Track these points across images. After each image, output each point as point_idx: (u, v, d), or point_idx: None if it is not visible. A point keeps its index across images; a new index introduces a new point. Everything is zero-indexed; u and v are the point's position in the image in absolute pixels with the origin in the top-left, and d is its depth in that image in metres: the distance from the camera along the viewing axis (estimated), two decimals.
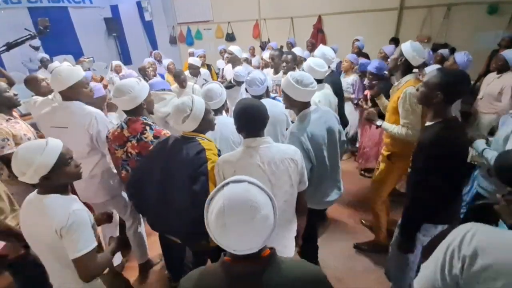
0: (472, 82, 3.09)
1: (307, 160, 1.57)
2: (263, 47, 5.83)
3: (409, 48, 1.84)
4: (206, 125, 1.45)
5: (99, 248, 1.23)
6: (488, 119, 2.80)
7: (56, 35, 5.23)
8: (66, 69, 1.74)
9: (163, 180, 1.40)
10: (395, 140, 1.96)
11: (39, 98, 2.30)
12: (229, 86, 3.06)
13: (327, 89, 2.34)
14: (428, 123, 1.42)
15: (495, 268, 0.63)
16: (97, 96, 2.18)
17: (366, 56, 4.33)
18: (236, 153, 1.31)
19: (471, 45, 4.24)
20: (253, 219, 0.65)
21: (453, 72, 1.39)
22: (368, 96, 2.17)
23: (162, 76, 4.23)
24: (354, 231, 2.58)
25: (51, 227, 1.05)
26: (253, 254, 0.71)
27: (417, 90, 1.44)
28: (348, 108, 3.36)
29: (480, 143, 1.67)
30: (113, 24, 7.37)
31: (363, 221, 2.66)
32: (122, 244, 1.37)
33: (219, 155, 1.42)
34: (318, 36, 5.80)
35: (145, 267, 2.26)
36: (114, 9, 7.57)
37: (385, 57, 3.43)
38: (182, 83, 3.07)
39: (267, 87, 2.29)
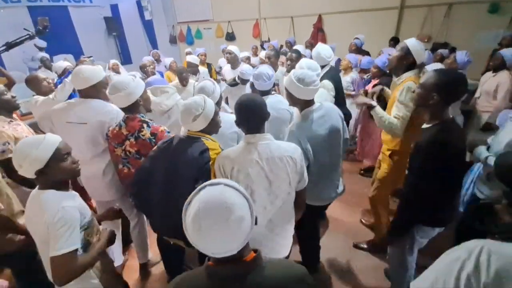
0: (473, 82, 3.09)
1: (304, 158, 1.58)
2: (263, 46, 5.82)
3: (417, 45, 1.80)
4: (213, 126, 1.45)
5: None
6: (486, 117, 2.81)
7: (56, 34, 5.22)
8: (89, 69, 1.80)
9: (168, 181, 1.40)
10: (395, 138, 1.94)
11: (40, 98, 2.30)
12: (233, 84, 3.06)
13: (323, 88, 2.33)
14: (425, 125, 1.41)
15: None
16: None
17: (367, 53, 4.32)
18: (235, 149, 1.32)
19: (471, 44, 4.23)
20: (227, 220, 0.65)
21: (449, 73, 1.37)
22: (369, 91, 2.13)
23: (162, 75, 4.23)
24: (354, 231, 2.58)
25: (43, 222, 1.05)
26: (235, 257, 0.71)
27: (413, 92, 1.43)
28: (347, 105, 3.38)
29: (482, 151, 1.66)
30: (113, 23, 7.36)
31: (363, 221, 2.67)
32: (113, 239, 1.33)
33: None
34: (318, 36, 5.79)
35: (146, 266, 2.27)
36: (114, 8, 7.56)
37: None
38: (183, 81, 3.07)
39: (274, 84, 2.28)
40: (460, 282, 0.64)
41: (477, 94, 2.95)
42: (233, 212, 0.66)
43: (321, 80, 2.34)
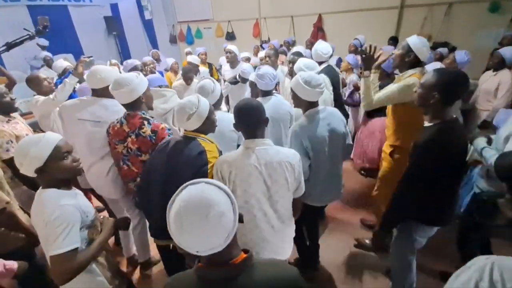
0: (473, 81, 3.09)
1: (305, 157, 1.59)
2: (262, 46, 5.81)
3: (418, 43, 1.79)
4: (208, 125, 1.46)
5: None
6: (485, 116, 2.82)
7: (56, 34, 5.21)
8: (106, 69, 1.86)
9: (166, 181, 1.40)
10: (397, 132, 1.94)
11: (41, 98, 2.30)
12: (233, 82, 3.07)
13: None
14: (426, 124, 1.41)
15: None
16: None
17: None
18: (234, 154, 1.33)
19: (472, 44, 4.23)
20: (207, 216, 0.65)
21: (450, 72, 1.37)
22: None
23: (162, 75, 4.23)
24: (354, 231, 2.58)
25: (43, 221, 1.04)
26: (224, 259, 0.71)
27: (415, 91, 1.43)
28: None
29: (480, 142, 1.66)
30: (113, 23, 7.34)
31: (363, 221, 2.67)
32: (127, 226, 1.37)
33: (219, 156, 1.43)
34: (318, 35, 5.79)
35: (146, 265, 2.28)
36: (114, 7, 7.55)
37: None
38: (188, 80, 3.13)
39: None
40: None
41: (477, 93, 2.95)
42: (212, 208, 0.66)
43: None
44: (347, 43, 4.55)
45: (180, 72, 3.50)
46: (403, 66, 1.86)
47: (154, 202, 1.45)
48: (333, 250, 2.35)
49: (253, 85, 2.15)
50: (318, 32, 5.84)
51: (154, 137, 1.61)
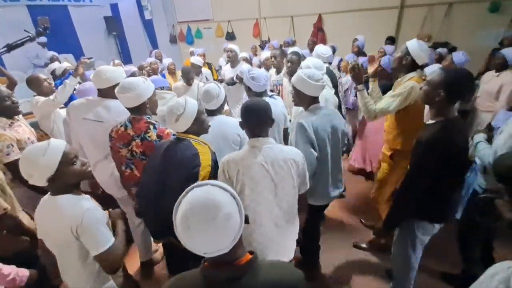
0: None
1: (313, 149, 1.61)
2: (262, 46, 5.82)
3: (416, 47, 1.81)
4: (199, 125, 1.47)
5: None
6: (486, 117, 2.80)
7: (56, 34, 5.21)
8: (111, 69, 1.88)
9: (160, 181, 1.42)
10: (397, 136, 1.96)
11: (41, 99, 2.29)
12: (231, 83, 3.07)
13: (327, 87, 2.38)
14: (429, 122, 1.42)
15: None
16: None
17: (365, 55, 4.33)
18: (240, 153, 1.34)
19: (472, 44, 4.23)
20: (215, 219, 0.66)
21: (456, 71, 1.41)
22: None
23: (163, 75, 4.23)
24: (354, 231, 2.59)
25: (66, 226, 1.07)
26: (229, 259, 0.72)
27: (420, 89, 1.44)
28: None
29: (478, 136, 1.70)
30: (113, 23, 7.33)
31: (363, 221, 2.68)
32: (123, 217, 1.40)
33: (213, 158, 1.44)
34: (318, 35, 5.79)
35: (148, 265, 2.28)
36: (114, 7, 7.54)
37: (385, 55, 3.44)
38: (189, 81, 3.13)
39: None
40: None
41: (477, 94, 2.93)
42: (220, 210, 0.67)
43: None
44: (347, 43, 4.55)
45: (180, 73, 3.50)
46: (401, 68, 1.91)
47: (148, 202, 1.46)
48: (333, 250, 2.35)
49: (247, 88, 2.15)
50: (318, 32, 5.83)
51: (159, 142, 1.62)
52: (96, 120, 1.83)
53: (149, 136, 1.61)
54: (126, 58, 7.54)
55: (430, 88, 1.36)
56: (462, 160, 1.39)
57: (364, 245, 2.38)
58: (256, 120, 1.31)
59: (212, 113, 1.82)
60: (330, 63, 3.12)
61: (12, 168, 1.77)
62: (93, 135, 1.86)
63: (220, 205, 0.67)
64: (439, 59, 3.29)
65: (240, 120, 1.36)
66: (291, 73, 2.85)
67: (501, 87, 2.66)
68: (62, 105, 2.45)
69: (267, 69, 3.58)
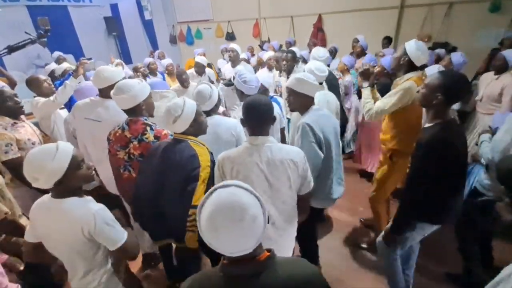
0: (474, 81, 3.08)
1: (320, 150, 1.61)
2: (262, 46, 5.81)
3: (414, 48, 1.81)
4: (197, 127, 1.46)
5: None
6: (487, 120, 2.78)
7: (56, 34, 5.17)
8: (109, 69, 1.91)
9: (159, 182, 1.42)
10: (394, 136, 1.97)
11: (41, 99, 2.29)
12: (228, 84, 3.06)
13: (326, 90, 2.42)
14: (427, 124, 1.43)
15: None
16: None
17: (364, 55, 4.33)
18: (236, 150, 1.33)
19: (472, 44, 4.22)
20: (242, 220, 0.67)
21: (453, 75, 1.41)
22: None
23: (163, 76, 4.22)
24: (354, 230, 2.59)
25: (76, 229, 1.08)
26: (249, 256, 0.72)
27: (418, 92, 1.45)
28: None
29: (484, 136, 1.75)
30: (113, 23, 7.34)
31: (363, 221, 2.68)
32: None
33: (211, 159, 1.44)
34: (318, 35, 5.78)
35: (150, 259, 2.28)
36: (114, 8, 7.55)
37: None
38: (184, 83, 3.05)
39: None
40: None
41: (478, 97, 2.84)
42: (247, 212, 0.68)
43: None
44: (347, 43, 4.55)
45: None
46: (399, 68, 1.94)
47: (145, 204, 1.46)
48: (333, 250, 2.35)
49: (239, 93, 2.14)
50: (318, 32, 5.83)
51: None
52: (96, 119, 1.87)
53: (146, 138, 1.61)
54: (126, 59, 7.54)
55: (428, 92, 1.37)
56: (462, 160, 1.40)
57: (364, 245, 2.38)
58: (258, 117, 1.29)
59: (206, 113, 1.81)
60: (328, 65, 3.13)
61: (11, 167, 1.77)
62: (94, 135, 1.90)
63: (246, 207, 0.68)
64: (438, 60, 3.28)
65: (240, 119, 1.36)
66: (288, 71, 2.88)
67: (503, 90, 2.61)
68: (63, 106, 2.46)
69: (270, 69, 3.59)
